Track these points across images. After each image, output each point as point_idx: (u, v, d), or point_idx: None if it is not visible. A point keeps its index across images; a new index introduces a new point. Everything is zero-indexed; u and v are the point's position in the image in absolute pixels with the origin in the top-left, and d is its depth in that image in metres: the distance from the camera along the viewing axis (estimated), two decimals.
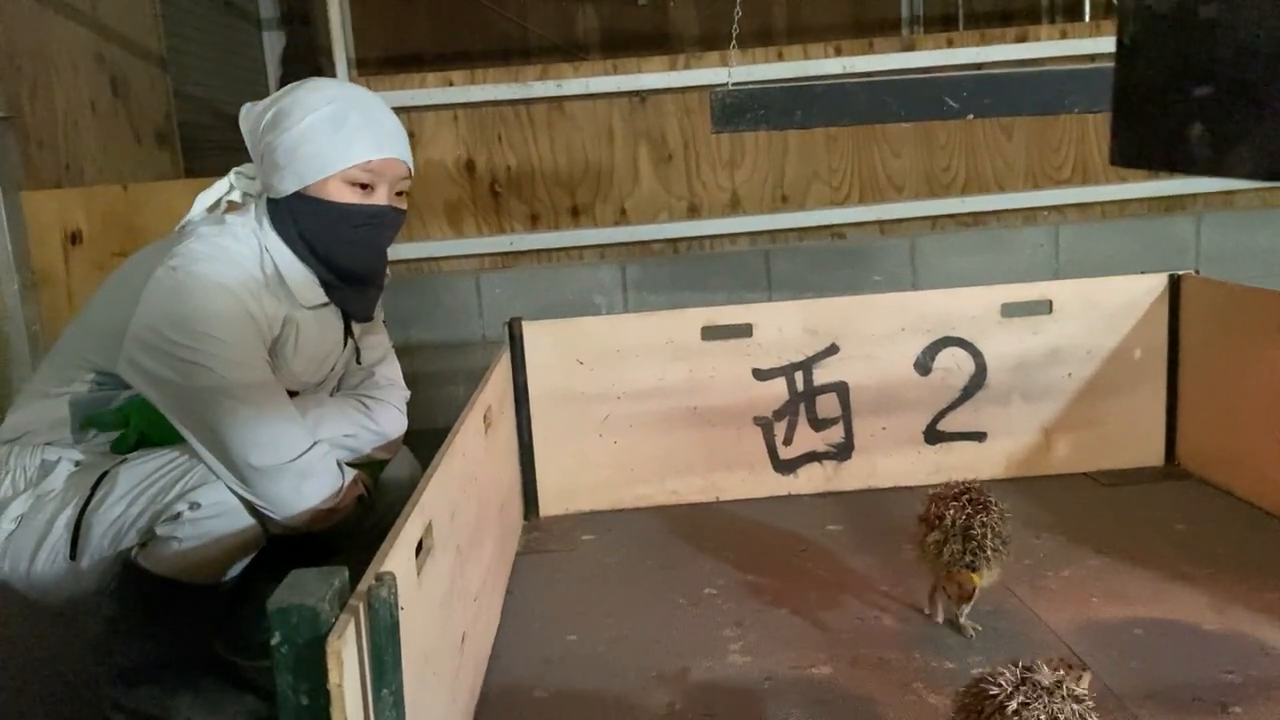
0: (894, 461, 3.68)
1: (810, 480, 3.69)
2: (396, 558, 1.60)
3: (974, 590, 2.39)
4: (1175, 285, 3.63)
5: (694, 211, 5.16)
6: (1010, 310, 3.64)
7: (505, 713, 2.37)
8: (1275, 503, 3.23)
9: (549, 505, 3.62)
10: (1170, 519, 3.27)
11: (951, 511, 2.38)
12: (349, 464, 2.66)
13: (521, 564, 3.23)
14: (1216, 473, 3.52)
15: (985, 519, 2.38)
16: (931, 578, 2.56)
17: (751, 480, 3.67)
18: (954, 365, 3.65)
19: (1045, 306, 3.65)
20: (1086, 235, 5.03)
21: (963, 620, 2.53)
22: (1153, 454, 3.72)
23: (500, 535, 2.99)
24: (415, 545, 1.79)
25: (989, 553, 2.36)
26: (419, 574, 1.79)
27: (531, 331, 3.54)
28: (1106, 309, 3.64)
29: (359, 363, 2.98)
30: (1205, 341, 3.53)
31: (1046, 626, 2.58)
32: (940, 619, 2.60)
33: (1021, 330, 3.64)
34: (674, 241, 5.10)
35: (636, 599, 2.93)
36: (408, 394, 2.99)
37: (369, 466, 2.75)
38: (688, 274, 4.98)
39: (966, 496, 2.43)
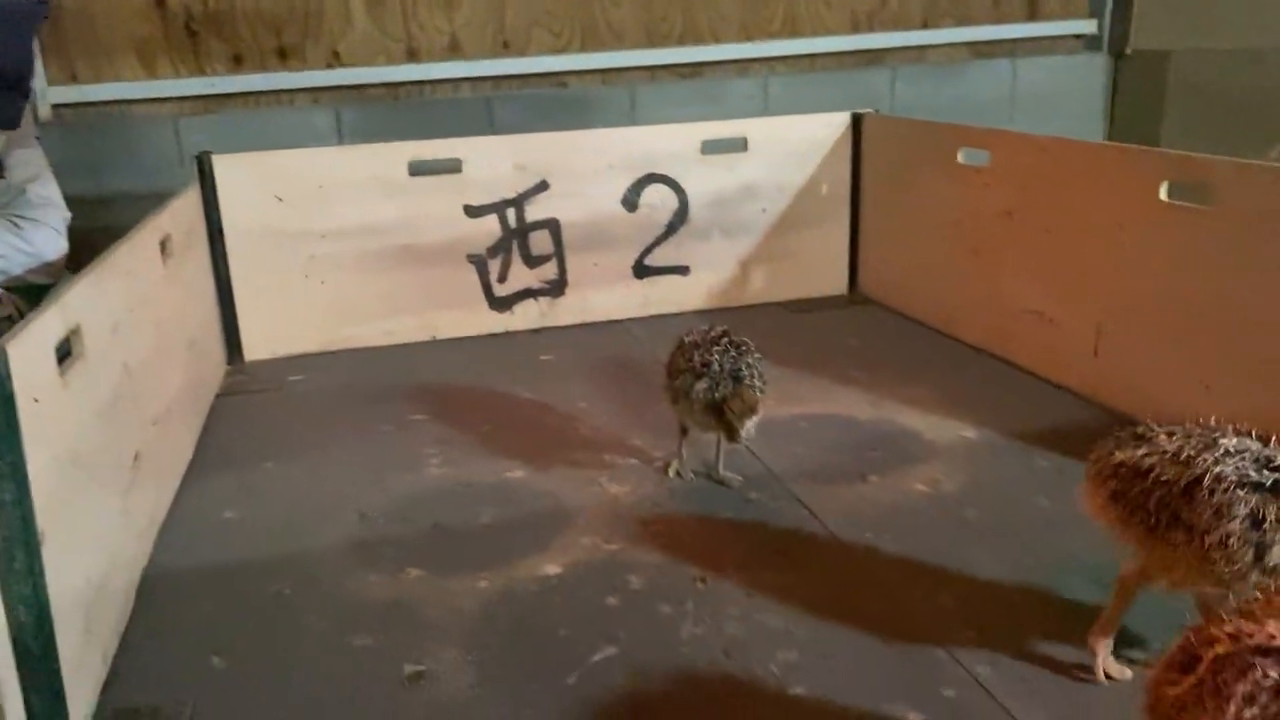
0: (605, 296, 3.81)
1: (526, 317, 3.77)
2: (24, 345, 1.53)
3: (758, 403, 2.32)
4: (857, 123, 3.90)
5: (412, 55, 4.99)
6: (709, 148, 3.80)
7: (190, 533, 2.34)
8: (938, 319, 3.60)
9: (255, 349, 3.52)
10: (846, 337, 3.59)
11: (716, 357, 2.34)
12: (4, 286, 2.46)
13: (223, 404, 3.14)
14: (891, 297, 3.88)
15: (750, 360, 2.35)
16: (700, 430, 2.43)
17: (468, 318, 3.71)
18: (658, 202, 3.78)
19: (741, 144, 3.83)
20: (793, 86, 5.29)
21: (724, 474, 2.49)
22: (838, 283, 4.05)
23: (192, 371, 2.88)
24: (55, 344, 1.71)
25: (758, 393, 2.32)
26: (63, 374, 1.71)
27: (225, 166, 3.36)
28: (796, 146, 3.87)
29: (3, 177, 2.73)
30: (884, 176, 3.83)
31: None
32: (689, 476, 2.51)
33: (719, 168, 3.82)
34: (392, 86, 4.93)
35: (340, 429, 2.92)
36: (68, 216, 2.77)
37: (25, 291, 2.56)
38: (407, 120, 4.84)
39: (726, 340, 2.39)
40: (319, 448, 2.80)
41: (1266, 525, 1.50)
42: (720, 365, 2.34)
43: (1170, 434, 1.67)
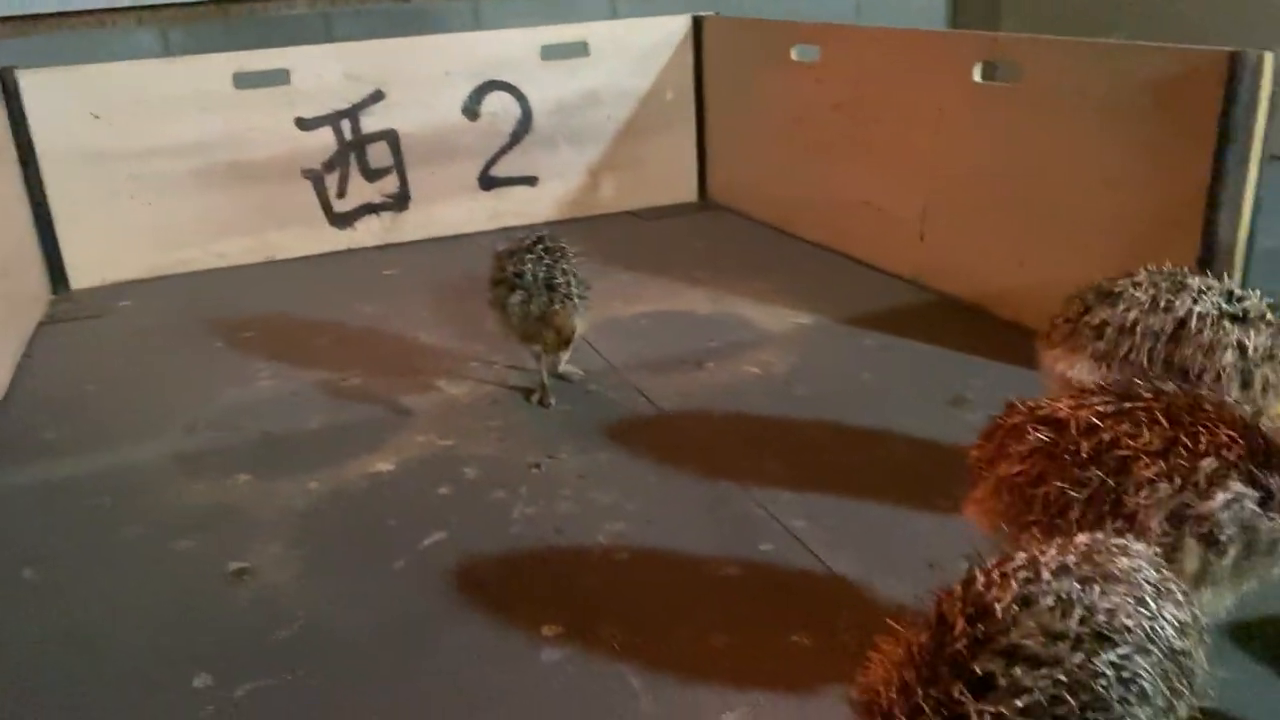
0: (451, 210, 3.75)
1: (369, 233, 3.68)
2: None
3: (573, 332, 2.27)
4: (698, 26, 3.90)
5: None
6: (549, 53, 3.74)
7: (6, 457, 2.23)
8: (780, 218, 3.66)
9: (82, 276, 3.35)
10: (693, 241, 3.62)
11: (530, 266, 2.25)
12: None
13: (44, 332, 2.99)
14: (738, 200, 3.92)
15: (566, 266, 2.27)
16: (522, 342, 2.34)
17: (307, 237, 3.60)
18: (500, 110, 3.72)
19: (582, 49, 3.79)
20: None
21: (563, 368, 2.44)
22: (687, 190, 4.07)
23: (4, 299, 2.73)
24: None
25: (576, 300, 2.26)
26: None
27: (33, 82, 3.16)
28: (638, 51, 3.85)
29: None
30: (726, 79, 3.84)
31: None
32: (552, 403, 2.38)
33: (561, 73, 3.77)
34: (222, 4, 4.70)
35: (166, 350, 2.82)
36: None
37: None
38: (239, 40, 4.63)
39: (541, 247, 2.30)
40: (144, 368, 2.70)
41: (1249, 354, 1.59)
42: (534, 274, 2.24)
43: (1137, 284, 1.72)
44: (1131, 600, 0.93)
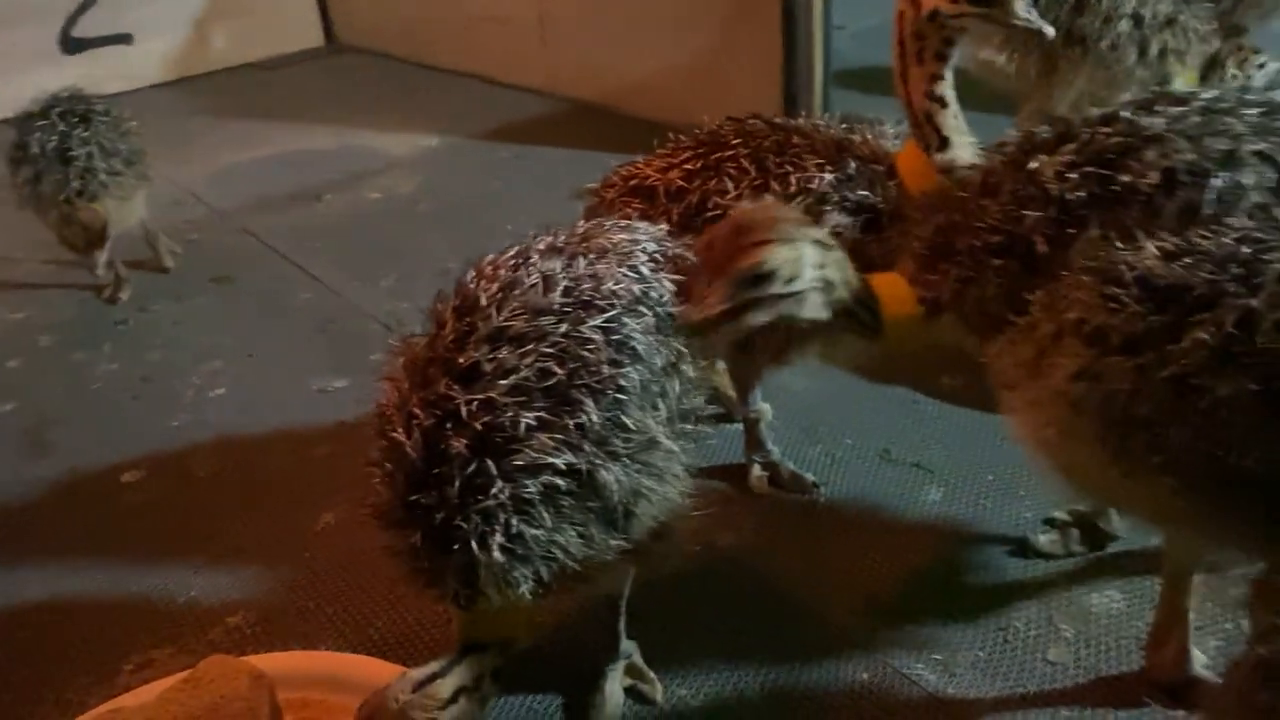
0: (25, 81, 3.24)
1: None
2: None
3: (104, 228, 1.87)
4: None
5: None
6: None
7: None
8: (410, 51, 3.43)
9: None
10: (321, 83, 3.35)
11: (38, 135, 1.86)
12: None
13: None
14: (367, 39, 3.64)
15: (87, 133, 1.88)
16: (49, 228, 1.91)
17: None
18: None
19: None
20: None
21: (99, 271, 1.93)
22: (313, 35, 3.75)
23: None
24: None
25: (103, 177, 1.85)
26: None
27: None
28: None
29: None
30: None
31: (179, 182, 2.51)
32: (123, 298, 1.96)
33: None
34: None
35: None
36: None
37: None
38: None
39: (57, 111, 1.93)
40: None
41: (1145, 22, 1.69)
42: (41, 146, 1.84)
43: None
44: (623, 269, 0.90)
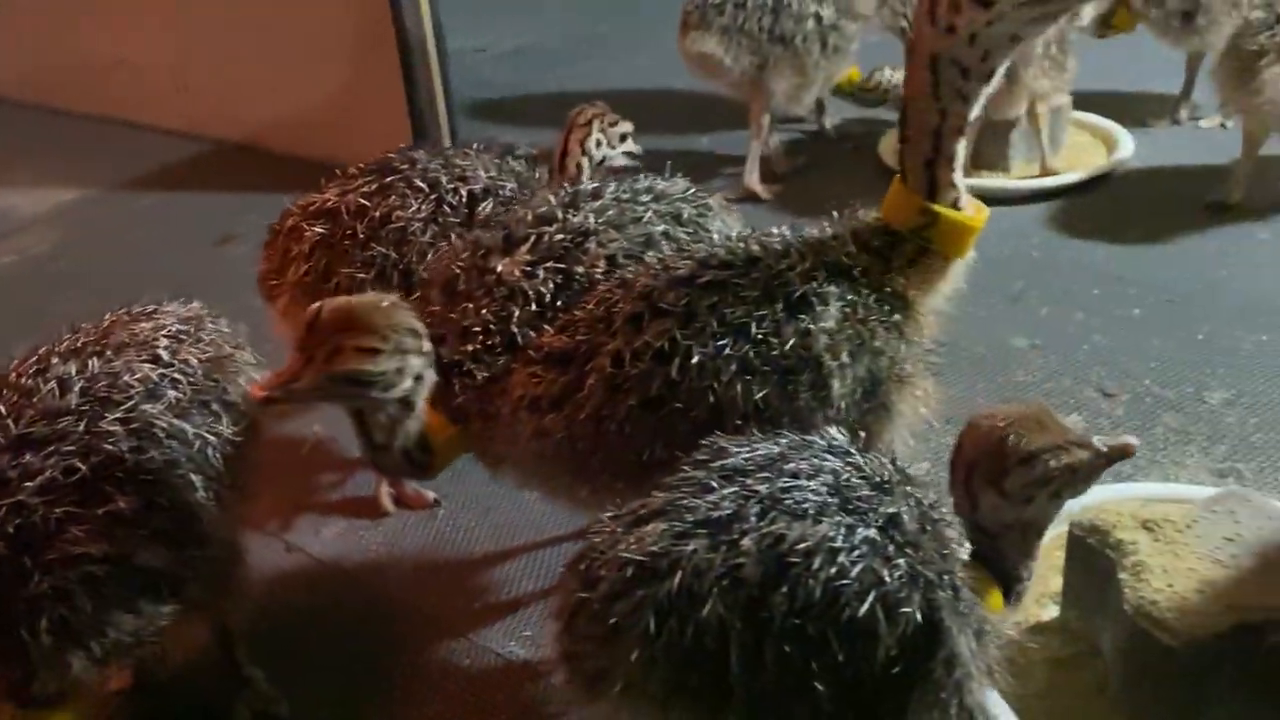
0: None
1: None
2: None
3: None
4: None
5: None
6: None
7: None
8: (37, 94, 3.24)
9: None
10: None
11: None
12: None
13: None
14: None
15: None
16: None
17: None
18: None
19: None
20: None
21: None
22: None
23: None
24: None
25: None
26: None
27: None
28: None
29: None
30: None
31: None
32: None
33: None
34: None
35: None
36: None
37: None
38: None
39: None
40: None
41: (824, 22, 2.20)
42: None
43: None
44: (142, 358, 1.01)
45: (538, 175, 1.50)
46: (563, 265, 1.08)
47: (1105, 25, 2.35)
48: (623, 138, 1.68)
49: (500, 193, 1.42)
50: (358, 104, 2.49)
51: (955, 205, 1.04)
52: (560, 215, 1.11)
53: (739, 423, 0.97)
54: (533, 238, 1.10)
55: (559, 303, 1.07)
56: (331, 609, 1.36)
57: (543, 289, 1.07)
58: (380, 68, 2.38)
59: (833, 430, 0.90)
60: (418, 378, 1.04)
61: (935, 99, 0.98)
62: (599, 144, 1.64)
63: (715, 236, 1.15)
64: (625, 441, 1.00)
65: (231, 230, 2.32)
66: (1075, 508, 1.23)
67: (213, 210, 2.47)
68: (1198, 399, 1.63)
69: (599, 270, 1.07)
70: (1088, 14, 2.28)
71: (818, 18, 2.27)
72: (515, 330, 1.07)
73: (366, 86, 2.46)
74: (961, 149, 1.01)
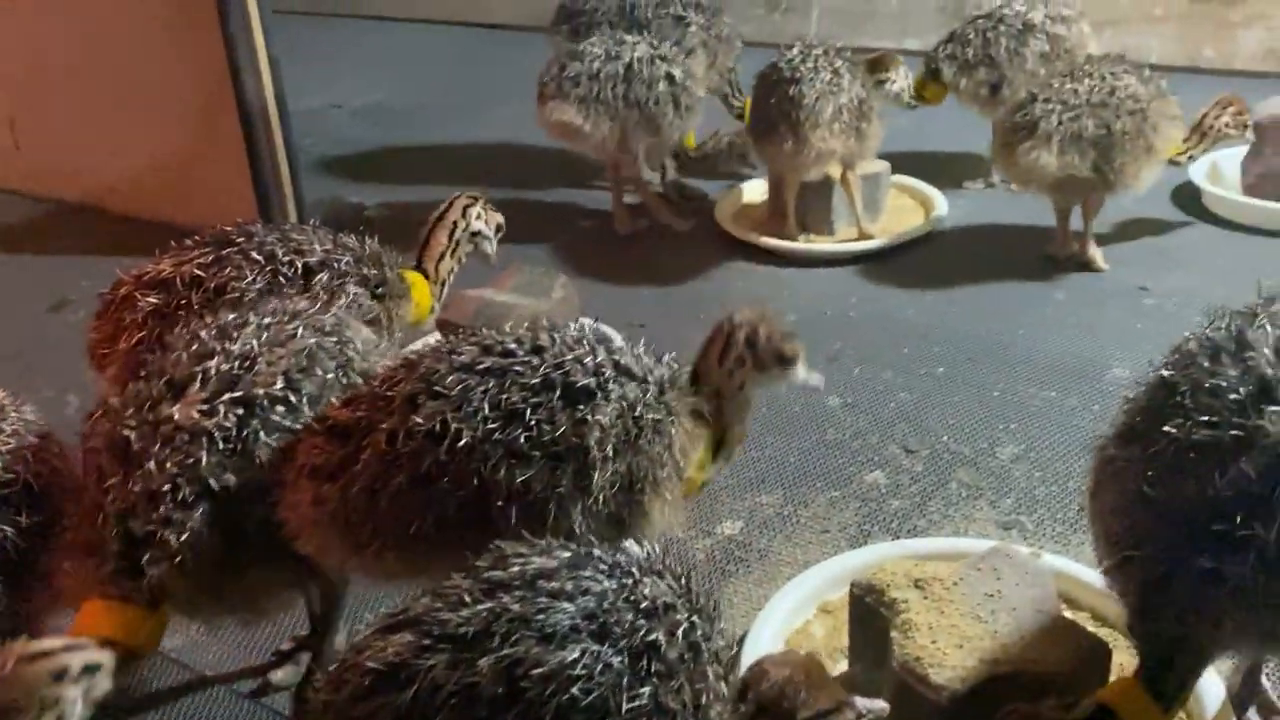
0: None
1: None
2: None
3: None
4: None
5: None
6: None
7: None
8: None
9: None
10: None
11: None
12: None
13: None
14: None
15: None
16: None
17: None
18: None
19: None
20: None
21: None
22: None
23: None
24: None
25: None
26: None
27: None
28: None
29: None
30: None
31: None
32: None
33: None
34: None
35: None
36: None
37: None
38: None
39: None
40: None
41: (676, 82, 2.37)
42: None
43: (592, 42, 2.36)
44: None
45: (369, 249, 1.56)
46: (240, 393, 1.10)
47: (917, 97, 2.51)
48: (498, 228, 1.78)
49: (336, 265, 1.48)
50: (199, 165, 2.48)
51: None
52: (218, 347, 1.13)
53: (500, 504, 1.02)
54: (199, 376, 1.11)
55: (245, 434, 1.09)
56: None
57: (226, 424, 1.08)
58: (221, 130, 2.38)
59: (631, 544, 0.94)
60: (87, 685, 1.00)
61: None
62: (479, 216, 1.73)
63: (358, 344, 1.24)
64: (396, 515, 1.05)
65: (67, 295, 2.28)
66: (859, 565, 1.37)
67: (48, 273, 2.42)
68: (990, 454, 1.74)
69: (278, 389, 1.11)
70: (899, 86, 2.45)
71: (669, 78, 2.37)
72: (208, 477, 1.07)
73: (208, 148, 2.45)
74: None
